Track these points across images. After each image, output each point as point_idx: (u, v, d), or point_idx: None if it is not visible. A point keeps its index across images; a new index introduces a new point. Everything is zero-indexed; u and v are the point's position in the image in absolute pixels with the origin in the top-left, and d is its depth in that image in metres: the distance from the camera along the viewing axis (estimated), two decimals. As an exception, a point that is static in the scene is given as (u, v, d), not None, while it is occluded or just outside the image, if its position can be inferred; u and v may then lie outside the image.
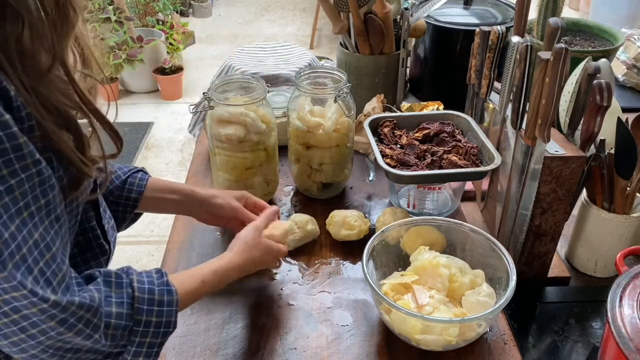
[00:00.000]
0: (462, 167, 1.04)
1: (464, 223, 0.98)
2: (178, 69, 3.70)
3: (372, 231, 1.08)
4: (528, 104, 0.90)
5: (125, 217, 0.94)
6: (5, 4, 0.55)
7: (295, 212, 1.17)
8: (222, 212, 0.99)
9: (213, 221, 1.02)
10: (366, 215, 1.16)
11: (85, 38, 0.67)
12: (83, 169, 0.64)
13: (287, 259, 1.06)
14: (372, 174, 1.22)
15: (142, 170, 0.96)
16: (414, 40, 1.57)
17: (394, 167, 1.04)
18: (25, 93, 0.57)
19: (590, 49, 1.36)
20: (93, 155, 0.67)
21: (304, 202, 1.23)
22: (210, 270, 0.82)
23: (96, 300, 0.63)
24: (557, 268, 1.03)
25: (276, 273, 1.03)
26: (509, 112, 0.99)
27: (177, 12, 4.39)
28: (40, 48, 0.59)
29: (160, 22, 3.95)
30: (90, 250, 0.76)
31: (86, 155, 0.65)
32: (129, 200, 0.93)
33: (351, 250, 1.08)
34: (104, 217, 0.78)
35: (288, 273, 1.03)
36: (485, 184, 1.14)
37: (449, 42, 1.52)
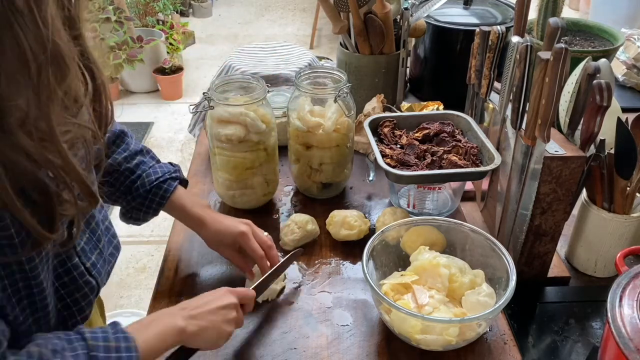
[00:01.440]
0: (462, 167, 1.04)
1: (464, 223, 0.98)
2: (178, 69, 3.70)
3: (372, 231, 1.08)
4: (528, 104, 0.90)
5: (147, 218, 1.00)
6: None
7: (295, 212, 1.17)
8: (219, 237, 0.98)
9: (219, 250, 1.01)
10: (366, 215, 1.16)
11: (98, 63, 0.62)
12: (44, 238, 0.60)
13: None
14: (372, 174, 1.22)
15: (171, 177, 0.98)
16: (414, 40, 1.57)
17: (394, 167, 1.04)
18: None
19: (590, 49, 1.36)
20: (64, 212, 0.61)
21: (304, 202, 1.23)
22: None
23: (34, 357, 0.59)
24: (557, 268, 1.03)
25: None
26: (509, 112, 0.99)
27: (177, 12, 4.39)
28: (16, 99, 0.51)
29: (160, 22, 3.95)
30: (78, 289, 0.74)
31: (54, 225, 0.60)
32: (150, 209, 0.98)
33: (351, 250, 1.08)
34: (84, 254, 0.75)
35: (288, 273, 1.03)
36: (485, 184, 1.14)
37: (449, 42, 1.52)
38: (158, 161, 1.01)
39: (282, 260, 0.98)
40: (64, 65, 0.54)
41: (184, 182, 1.03)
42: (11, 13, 0.49)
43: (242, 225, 0.97)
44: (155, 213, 0.99)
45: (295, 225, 1.07)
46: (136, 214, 0.99)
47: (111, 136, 0.95)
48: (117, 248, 0.87)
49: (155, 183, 0.96)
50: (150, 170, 0.97)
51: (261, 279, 0.93)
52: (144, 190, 0.96)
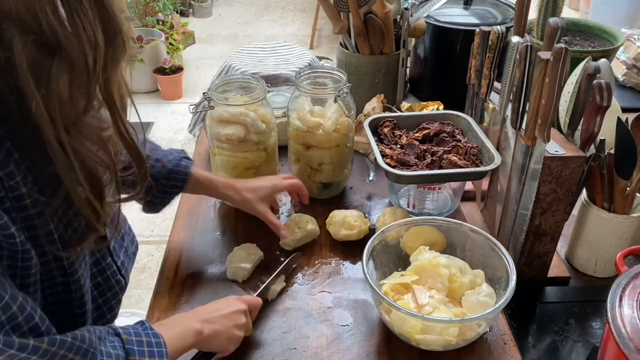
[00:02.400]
0: (462, 167, 1.04)
1: (464, 223, 0.98)
2: (178, 69, 3.70)
3: (372, 231, 1.08)
4: (528, 104, 0.90)
5: (168, 200, 1.02)
6: (59, 45, 0.51)
7: (295, 212, 1.17)
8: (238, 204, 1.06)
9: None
10: (366, 215, 1.16)
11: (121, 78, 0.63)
12: (93, 224, 0.62)
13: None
14: (372, 174, 1.22)
15: (185, 157, 1.01)
16: (414, 40, 1.57)
17: (394, 167, 1.04)
18: (58, 149, 0.54)
19: (590, 49, 1.36)
20: (109, 201, 0.64)
21: (304, 202, 1.23)
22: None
23: (86, 340, 0.61)
24: (557, 268, 1.03)
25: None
26: (509, 112, 0.99)
27: (177, 12, 4.39)
28: (80, 90, 0.55)
29: (160, 22, 3.95)
30: (110, 288, 0.76)
31: (102, 208, 0.63)
32: (174, 188, 1.00)
33: (351, 250, 1.08)
34: (115, 253, 0.78)
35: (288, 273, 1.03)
36: (485, 184, 1.14)
37: (449, 42, 1.52)
38: (162, 148, 1.04)
39: (282, 264, 1.00)
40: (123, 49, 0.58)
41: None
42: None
43: (274, 179, 1.09)
44: (177, 192, 1.02)
45: (296, 225, 1.07)
46: (159, 198, 1.00)
47: None
48: (137, 246, 0.89)
49: (174, 162, 0.99)
50: (165, 153, 1.00)
51: (264, 285, 0.95)
52: (165, 171, 0.98)
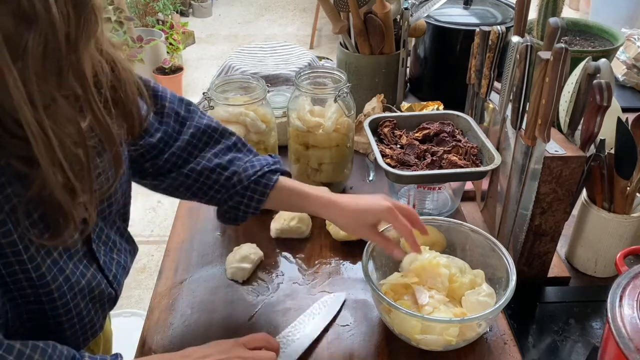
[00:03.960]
0: (462, 167, 1.04)
1: (464, 223, 0.98)
2: (178, 69, 3.70)
3: (372, 231, 1.08)
4: (528, 104, 0.90)
5: (246, 217, 0.92)
6: (36, 15, 0.50)
7: (295, 212, 1.17)
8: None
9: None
10: (366, 215, 1.16)
11: (108, 47, 0.62)
12: (69, 214, 0.60)
13: (285, 254, 1.07)
14: (372, 174, 1.22)
15: (270, 171, 0.89)
16: (414, 40, 1.57)
17: (394, 167, 1.04)
18: (34, 123, 0.52)
19: (590, 49, 1.36)
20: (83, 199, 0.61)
21: (304, 202, 1.22)
22: None
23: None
24: (557, 268, 1.03)
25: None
26: (509, 112, 0.98)
27: (177, 12, 4.38)
28: (55, 64, 0.54)
29: (160, 22, 3.95)
30: (100, 300, 0.75)
31: (83, 189, 0.60)
32: (249, 207, 0.90)
33: (351, 250, 1.08)
34: (106, 266, 0.76)
35: (288, 273, 1.03)
36: (485, 184, 1.14)
37: (449, 42, 1.52)
38: (256, 154, 0.93)
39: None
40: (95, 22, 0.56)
41: (287, 174, 0.93)
42: None
43: (384, 200, 0.87)
44: (256, 211, 0.90)
45: (281, 217, 1.09)
46: (234, 214, 0.91)
47: (197, 133, 0.89)
48: (136, 251, 0.88)
49: (253, 178, 0.88)
50: (247, 165, 0.89)
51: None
52: (241, 187, 0.88)
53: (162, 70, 3.66)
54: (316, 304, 0.94)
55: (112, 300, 0.79)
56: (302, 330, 0.89)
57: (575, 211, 1.02)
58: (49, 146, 0.54)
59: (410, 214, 0.88)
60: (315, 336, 0.88)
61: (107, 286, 0.75)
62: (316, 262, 1.06)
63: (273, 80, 1.76)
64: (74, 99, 0.58)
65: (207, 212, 1.18)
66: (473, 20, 1.53)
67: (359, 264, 1.05)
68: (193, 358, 0.75)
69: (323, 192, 0.92)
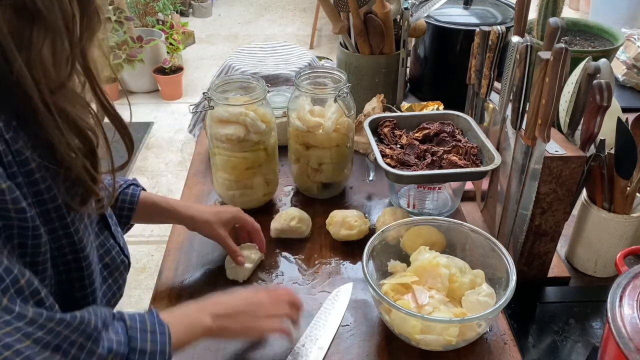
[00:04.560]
0: (462, 167, 1.04)
1: (464, 223, 0.98)
2: (178, 69, 3.70)
3: (372, 231, 1.08)
4: (528, 104, 0.90)
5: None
6: (38, 11, 0.53)
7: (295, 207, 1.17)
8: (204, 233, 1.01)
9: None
10: (366, 215, 1.16)
11: (103, 45, 0.65)
12: (92, 188, 0.64)
13: (285, 254, 1.07)
14: (372, 174, 1.22)
15: (133, 183, 0.96)
16: (414, 40, 1.57)
17: (394, 167, 1.04)
18: (45, 111, 0.56)
19: (590, 49, 1.36)
20: (102, 171, 0.66)
21: (304, 202, 1.22)
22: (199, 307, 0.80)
23: (91, 323, 0.61)
24: (557, 268, 1.03)
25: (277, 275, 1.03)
26: (509, 112, 0.99)
27: (177, 12, 4.38)
28: (62, 56, 0.57)
29: (160, 22, 3.95)
30: (117, 269, 0.77)
31: (97, 172, 0.64)
32: (121, 217, 0.94)
33: (351, 250, 1.08)
34: (116, 235, 0.79)
35: (288, 273, 1.03)
36: (485, 184, 1.14)
37: (449, 42, 1.52)
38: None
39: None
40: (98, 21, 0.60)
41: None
42: None
43: (235, 209, 1.04)
44: (127, 221, 0.96)
45: (282, 217, 1.09)
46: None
47: None
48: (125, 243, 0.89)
49: (119, 190, 0.92)
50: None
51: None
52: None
53: (162, 71, 3.66)
54: (326, 301, 0.95)
55: (125, 268, 0.80)
56: (316, 336, 0.90)
57: (575, 211, 1.02)
58: (57, 126, 0.58)
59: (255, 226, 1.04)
60: (329, 344, 0.89)
61: (118, 253, 0.77)
62: (316, 262, 1.06)
63: (273, 80, 1.77)
64: (81, 87, 0.62)
65: (207, 212, 1.18)
66: (473, 20, 1.53)
67: (359, 264, 1.04)
68: (222, 306, 0.81)
69: (171, 208, 1.01)
